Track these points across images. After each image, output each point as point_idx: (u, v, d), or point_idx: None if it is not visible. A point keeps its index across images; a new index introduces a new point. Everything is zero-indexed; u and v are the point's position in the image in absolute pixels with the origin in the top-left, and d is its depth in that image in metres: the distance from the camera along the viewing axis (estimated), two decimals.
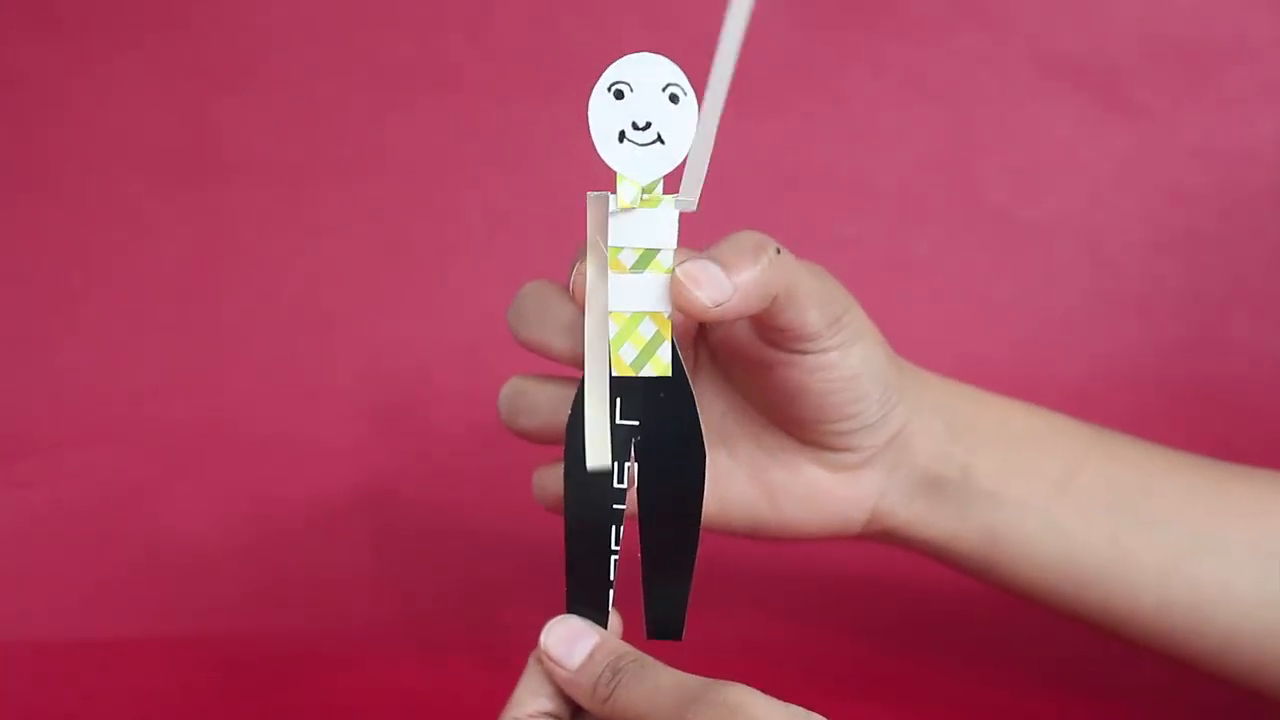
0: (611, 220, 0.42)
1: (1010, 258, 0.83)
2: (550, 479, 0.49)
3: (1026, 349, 0.82)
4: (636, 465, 0.44)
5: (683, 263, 0.42)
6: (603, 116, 0.41)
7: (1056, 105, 0.83)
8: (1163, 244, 0.83)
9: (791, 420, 0.50)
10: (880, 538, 0.53)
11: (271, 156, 0.81)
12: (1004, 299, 0.83)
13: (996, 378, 0.62)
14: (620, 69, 0.41)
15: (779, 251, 0.43)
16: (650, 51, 0.42)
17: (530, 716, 0.43)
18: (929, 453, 0.52)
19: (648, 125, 0.42)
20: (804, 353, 0.47)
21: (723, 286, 0.42)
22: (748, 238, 0.43)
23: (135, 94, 0.81)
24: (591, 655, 0.43)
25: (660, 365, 0.43)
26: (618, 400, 0.43)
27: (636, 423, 0.43)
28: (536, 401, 0.48)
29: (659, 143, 0.42)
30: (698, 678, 0.41)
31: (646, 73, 0.41)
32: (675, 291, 0.42)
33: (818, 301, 0.46)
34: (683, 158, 0.41)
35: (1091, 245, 0.83)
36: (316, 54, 0.82)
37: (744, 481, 0.51)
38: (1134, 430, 0.55)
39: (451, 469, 0.76)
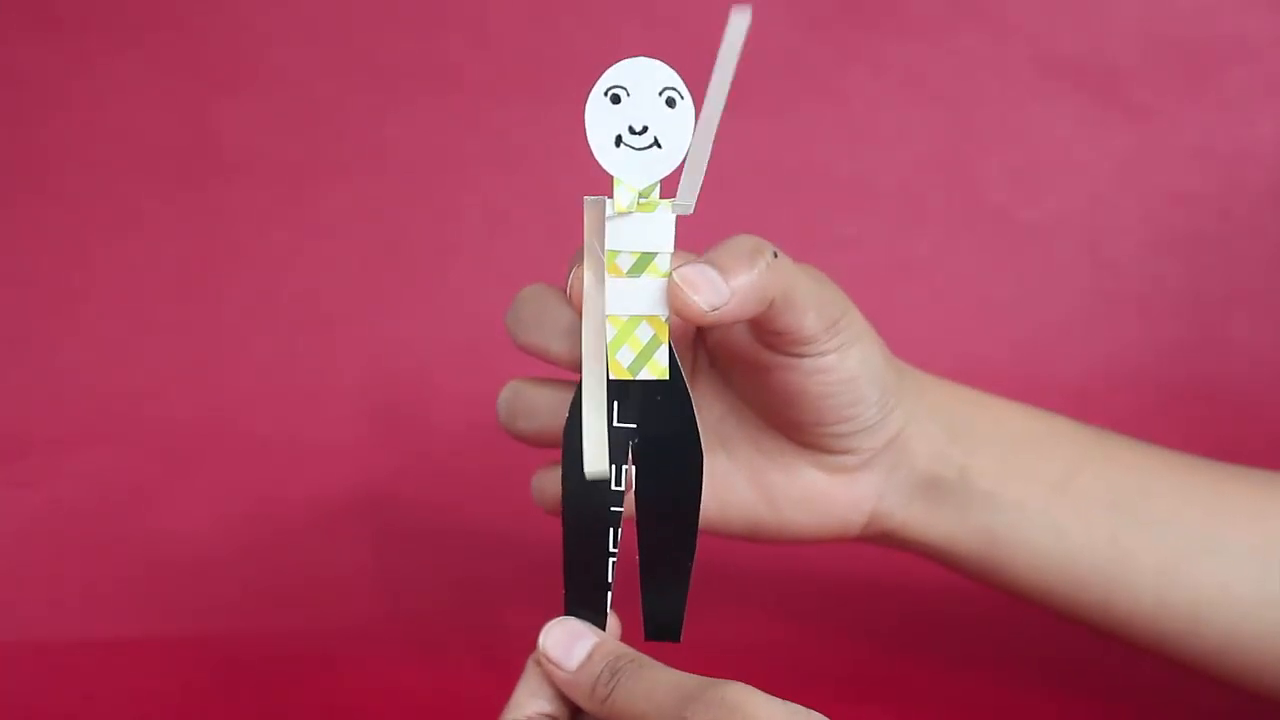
0: (609, 224, 0.42)
1: (1010, 258, 0.83)
2: (549, 482, 0.49)
3: (1026, 349, 0.82)
4: (634, 468, 0.44)
5: (680, 267, 0.42)
6: (599, 121, 0.41)
7: (1056, 105, 0.83)
8: (1163, 244, 0.83)
9: (790, 423, 0.50)
10: (879, 540, 0.53)
11: (271, 156, 0.81)
12: (1004, 299, 0.83)
13: (996, 378, 0.62)
14: (616, 73, 0.41)
15: (776, 255, 0.43)
16: (649, 54, 0.41)
17: (529, 718, 0.43)
18: (927, 454, 0.52)
19: (644, 129, 0.41)
20: (801, 356, 0.47)
21: (719, 291, 0.42)
22: (744, 242, 0.43)
23: (135, 94, 0.81)
24: (590, 656, 0.43)
25: (657, 369, 0.43)
26: (614, 403, 0.43)
27: (634, 426, 0.44)
28: (535, 405, 0.48)
29: (656, 147, 0.42)
30: (696, 676, 0.41)
31: (643, 77, 0.41)
32: (672, 295, 0.42)
33: (815, 304, 0.46)
34: (680, 161, 0.41)
35: (1091, 245, 0.83)
36: (316, 54, 0.82)
37: (742, 484, 0.51)
38: (1134, 430, 0.55)
39: (451, 469, 0.76)
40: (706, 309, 0.42)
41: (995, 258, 0.83)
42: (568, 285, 0.44)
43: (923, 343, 0.68)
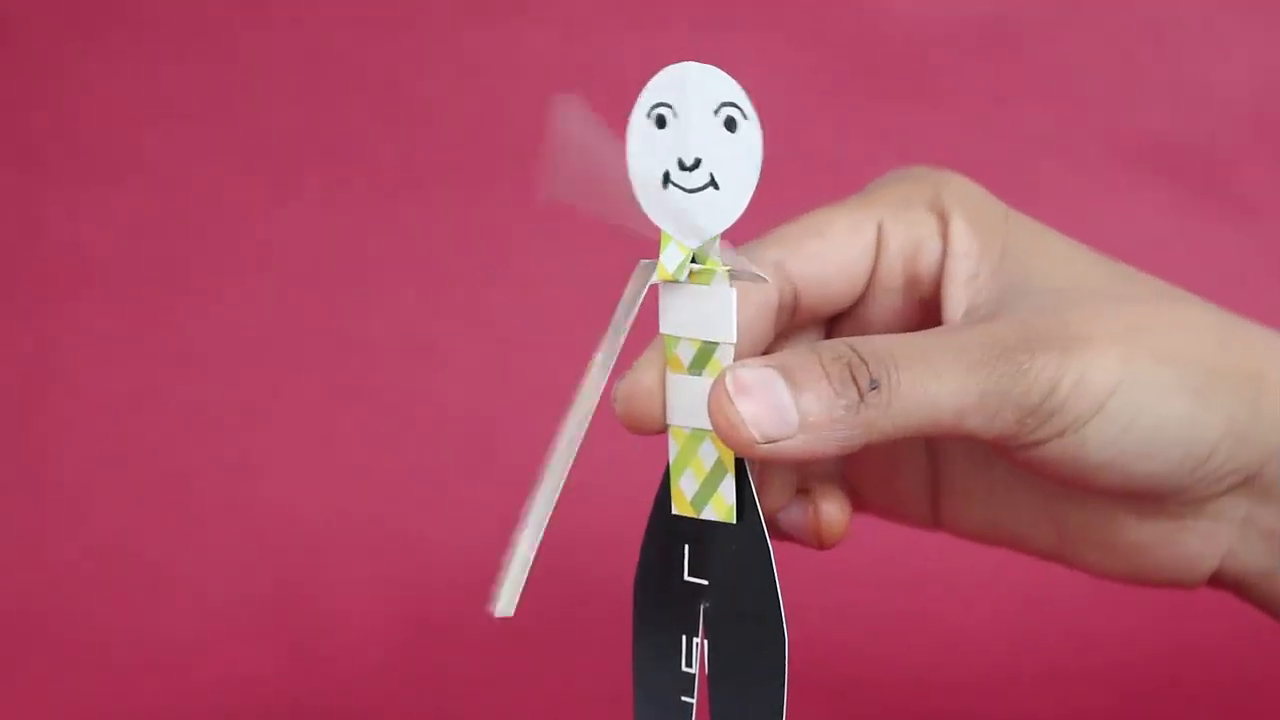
0: (664, 298, 0.33)
1: None
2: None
3: None
4: (706, 642, 0.35)
5: (735, 367, 0.32)
6: (642, 152, 0.33)
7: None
8: None
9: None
10: (1231, 590, 0.39)
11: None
12: None
13: None
14: (661, 85, 0.32)
15: (875, 388, 0.32)
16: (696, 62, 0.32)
17: None
18: None
19: (697, 164, 0.32)
20: (1027, 446, 0.34)
21: (783, 416, 0.31)
22: (832, 348, 0.32)
23: None
24: None
25: (723, 507, 0.33)
26: (685, 548, 0.34)
27: (705, 583, 0.35)
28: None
29: (712, 187, 0.32)
30: None
31: (694, 89, 0.32)
32: (714, 407, 0.31)
33: (978, 398, 0.32)
34: (743, 208, 0.32)
35: None
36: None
37: (1026, 502, 0.38)
38: None
39: None
40: (758, 438, 0.31)
41: None
42: (614, 393, 0.34)
43: None
